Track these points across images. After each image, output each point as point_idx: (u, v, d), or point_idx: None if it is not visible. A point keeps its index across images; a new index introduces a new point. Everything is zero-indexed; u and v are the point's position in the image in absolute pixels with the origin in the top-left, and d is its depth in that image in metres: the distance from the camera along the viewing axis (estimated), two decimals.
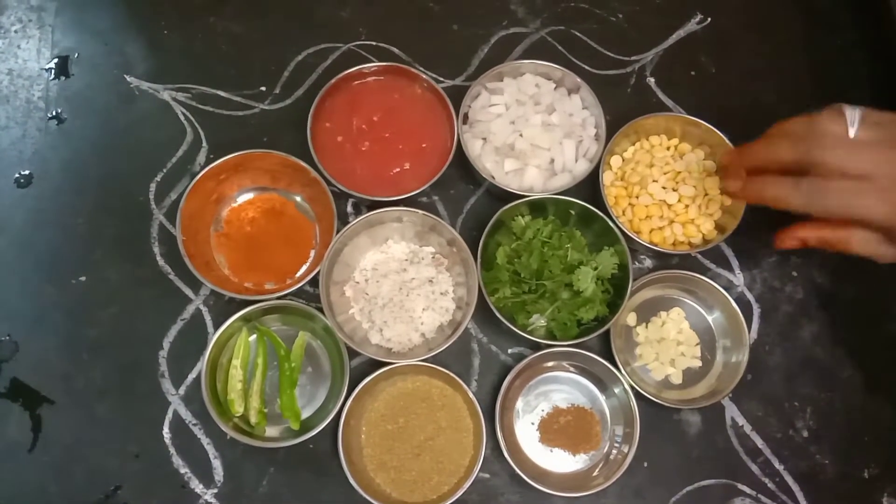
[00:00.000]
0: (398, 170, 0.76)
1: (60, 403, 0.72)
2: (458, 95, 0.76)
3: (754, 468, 0.73)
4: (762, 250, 0.79)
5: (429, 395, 0.72)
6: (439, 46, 0.84)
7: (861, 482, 0.73)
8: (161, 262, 0.76)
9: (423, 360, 0.70)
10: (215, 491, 0.70)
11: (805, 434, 0.74)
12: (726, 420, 0.74)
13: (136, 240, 0.77)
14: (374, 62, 0.79)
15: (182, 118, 0.81)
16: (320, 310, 0.70)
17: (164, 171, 0.79)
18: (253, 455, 0.71)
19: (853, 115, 0.60)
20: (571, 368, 0.74)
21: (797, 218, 0.67)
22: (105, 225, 0.77)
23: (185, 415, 0.72)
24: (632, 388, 0.71)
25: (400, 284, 0.73)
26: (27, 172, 0.79)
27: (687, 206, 0.75)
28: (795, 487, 0.73)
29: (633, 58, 0.86)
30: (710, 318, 0.77)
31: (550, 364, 0.74)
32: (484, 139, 0.77)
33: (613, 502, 0.71)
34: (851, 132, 0.60)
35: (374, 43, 0.84)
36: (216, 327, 0.73)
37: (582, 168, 0.75)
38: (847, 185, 0.59)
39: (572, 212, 0.74)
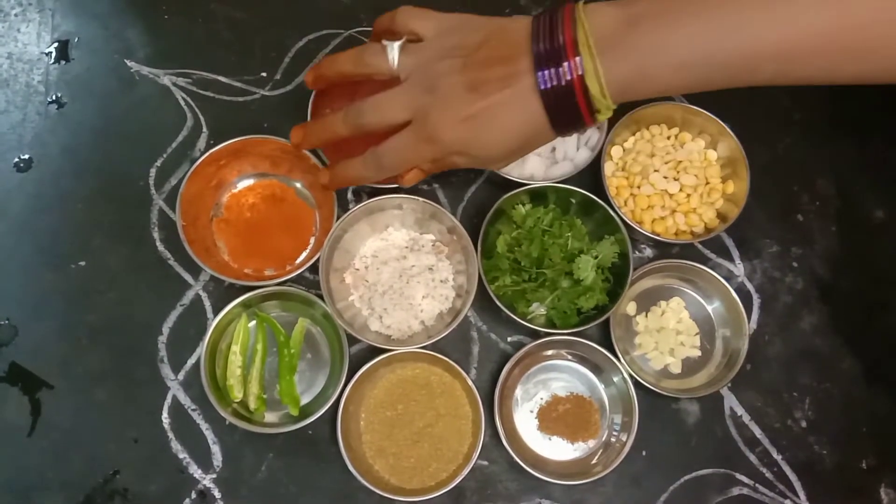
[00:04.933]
0: None
1: (59, 388, 0.72)
2: None
3: (752, 458, 0.73)
4: (763, 241, 0.79)
5: (428, 383, 0.72)
6: None
7: (859, 473, 0.73)
8: (161, 247, 0.76)
9: (422, 348, 0.70)
10: (214, 476, 0.70)
11: (803, 424, 0.74)
12: (725, 410, 0.74)
13: (135, 225, 0.76)
14: None
15: (182, 103, 0.81)
16: (320, 296, 0.70)
17: (165, 156, 0.79)
18: (252, 440, 0.71)
19: (392, 50, 0.59)
20: (571, 357, 0.74)
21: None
22: (105, 210, 0.77)
23: (185, 400, 0.72)
24: (631, 377, 0.71)
25: (400, 272, 0.73)
26: (27, 157, 0.78)
27: (689, 196, 0.75)
28: (793, 477, 0.73)
29: None
30: (709, 308, 0.77)
31: (550, 352, 0.74)
32: None
33: (611, 490, 0.71)
34: (394, 65, 0.59)
35: None
36: (216, 313, 0.72)
37: (583, 156, 0.75)
38: (393, 143, 0.59)
39: (573, 200, 0.74)
